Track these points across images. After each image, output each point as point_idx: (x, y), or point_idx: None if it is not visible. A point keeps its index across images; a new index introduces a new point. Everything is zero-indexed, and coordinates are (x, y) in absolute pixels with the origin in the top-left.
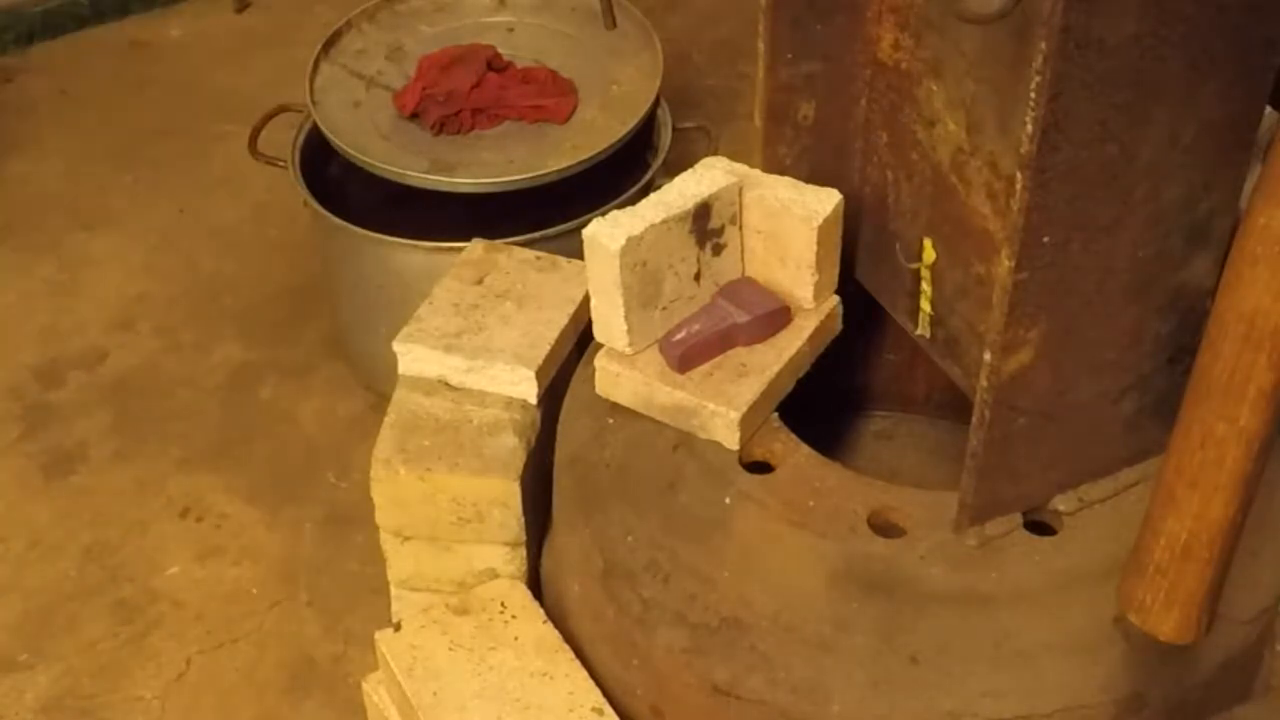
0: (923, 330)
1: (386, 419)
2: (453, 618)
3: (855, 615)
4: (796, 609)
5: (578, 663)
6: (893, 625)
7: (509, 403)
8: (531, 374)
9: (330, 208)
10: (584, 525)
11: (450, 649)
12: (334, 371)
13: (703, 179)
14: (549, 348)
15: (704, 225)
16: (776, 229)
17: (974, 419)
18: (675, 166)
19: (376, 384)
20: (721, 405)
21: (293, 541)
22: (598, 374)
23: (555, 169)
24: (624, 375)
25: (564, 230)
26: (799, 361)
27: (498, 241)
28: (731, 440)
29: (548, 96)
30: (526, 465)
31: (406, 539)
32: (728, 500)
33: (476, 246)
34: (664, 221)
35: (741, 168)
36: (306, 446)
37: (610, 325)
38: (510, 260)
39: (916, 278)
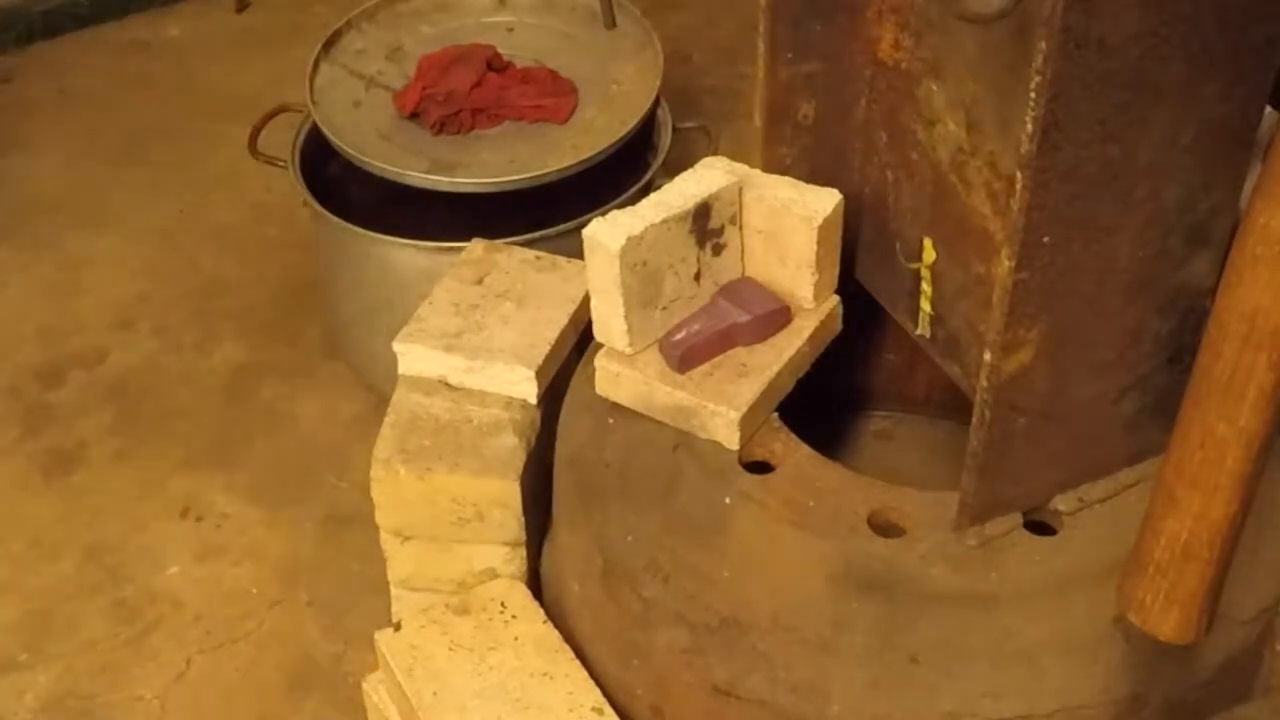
0: (923, 330)
1: (386, 419)
2: (453, 618)
3: (855, 615)
4: (796, 609)
5: (578, 663)
6: (893, 625)
7: (509, 403)
8: (531, 374)
9: (330, 208)
10: (584, 525)
11: (450, 649)
12: (334, 371)
13: (703, 179)
14: (549, 348)
15: (704, 225)
16: (776, 229)
17: (974, 419)
18: (675, 166)
19: (376, 384)
20: (721, 405)
21: (293, 541)
22: (598, 374)
23: (555, 169)
24: (624, 375)
25: (564, 230)
26: (799, 361)
27: (498, 241)
28: (731, 440)
29: (548, 96)
30: (526, 465)
31: (406, 539)
32: (728, 500)
33: (476, 246)
34: (664, 221)
35: (741, 168)
36: (306, 446)
37: (610, 325)
38: (510, 260)
39: (916, 278)
